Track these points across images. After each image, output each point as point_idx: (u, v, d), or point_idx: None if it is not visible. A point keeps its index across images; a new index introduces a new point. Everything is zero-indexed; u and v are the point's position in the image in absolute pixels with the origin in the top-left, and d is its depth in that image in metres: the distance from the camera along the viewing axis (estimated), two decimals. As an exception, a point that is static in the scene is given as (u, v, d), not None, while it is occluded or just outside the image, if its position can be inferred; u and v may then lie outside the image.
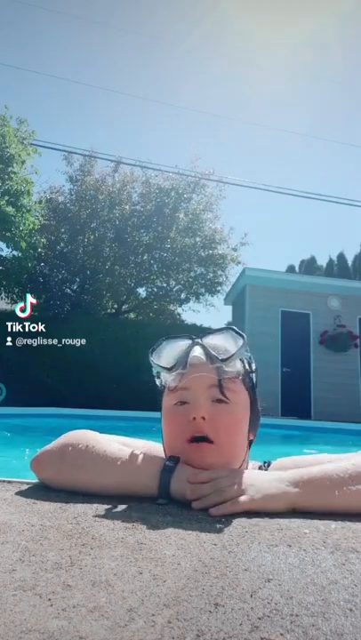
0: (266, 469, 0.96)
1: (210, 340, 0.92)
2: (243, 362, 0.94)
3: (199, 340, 0.92)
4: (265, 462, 0.99)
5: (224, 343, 0.92)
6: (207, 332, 0.96)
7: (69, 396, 8.26)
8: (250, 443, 0.96)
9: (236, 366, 0.91)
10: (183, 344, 0.94)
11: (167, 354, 0.95)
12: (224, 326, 0.98)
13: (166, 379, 0.93)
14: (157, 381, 0.97)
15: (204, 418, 0.85)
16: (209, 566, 0.56)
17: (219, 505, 0.75)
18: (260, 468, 0.96)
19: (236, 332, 0.93)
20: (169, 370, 0.91)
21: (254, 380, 0.96)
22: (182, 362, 0.89)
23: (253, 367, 0.96)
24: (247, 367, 0.94)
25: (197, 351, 0.88)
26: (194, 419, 0.85)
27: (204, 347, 0.90)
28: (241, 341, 0.91)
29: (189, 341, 0.93)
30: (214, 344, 0.91)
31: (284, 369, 9.89)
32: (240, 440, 0.90)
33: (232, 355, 0.88)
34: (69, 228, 10.86)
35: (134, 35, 21.00)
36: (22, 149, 7.95)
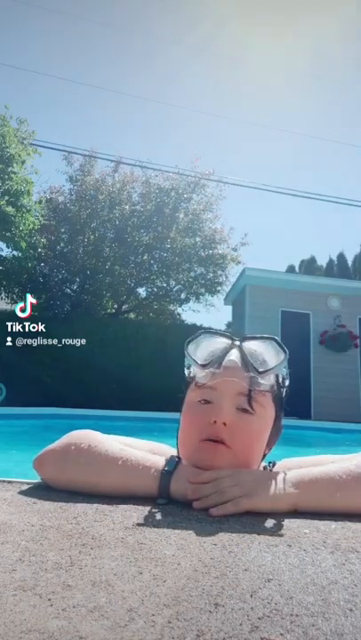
0: (271, 470, 0.92)
1: (250, 346, 0.89)
2: (278, 376, 0.90)
3: (238, 343, 0.90)
4: (270, 463, 0.97)
5: (264, 353, 0.89)
6: (249, 336, 0.93)
7: (69, 396, 8.26)
8: (264, 456, 0.94)
9: (271, 380, 0.87)
10: (222, 342, 0.91)
11: (204, 349, 0.92)
12: (268, 335, 0.92)
13: (197, 373, 0.91)
14: (186, 372, 0.96)
15: (225, 424, 0.83)
16: (209, 566, 0.56)
17: (220, 505, 0.74)
18: (264, 468, 0.94)
19: (279, 345, 0.89)
20: (202, 366, 0.89)
21: (284, 396, 0.93)
22: (217, 361, 0.86)
23: (287, 383, 0.92)
24: (281, 382, 0.91)
25: (235, 355, 0.86)
26: (215, 422, 0.83)
27: (242, 351, 0.88)
28: (282, 356, 0.87)
29: (229, 341, 0.91)
30: (254, 351, 0.88)
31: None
32: (256, 453, 0.88)
33: (270, 369, 0.86)
34: (69, 228, 10.86)
35: (134, 35, 21.00)
36: (22, 149, 7.95)
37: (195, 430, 0.86)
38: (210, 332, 0.96)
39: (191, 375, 0.93)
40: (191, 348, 0.94)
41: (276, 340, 0.90)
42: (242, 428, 0.84)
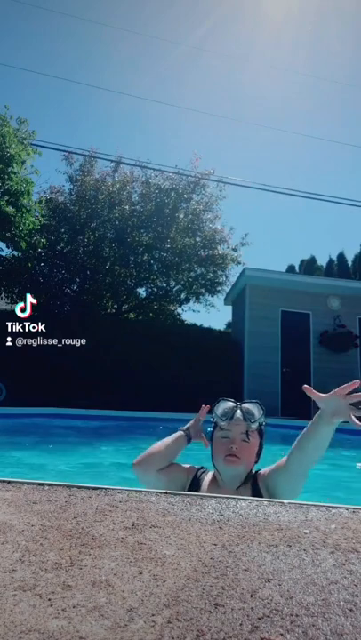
0: (256, 472, 1.63)
1: (246, 407, 1.63)
2: (260, 423, 1.63)
3: (240, 406, 1.63)
4: (257, 470, 1.64)
5: (253, 410, 1.62)
6: (245, 401, 1.65)
7: (69, 396, 8.26)
8: (256, 462, 1.64)
9: (257, 425, 1.61)
10: (231, 405, 1.64)
11: (221, 409, 1.64)
12: (255, 400, 1.66)
13: (218, 421, 1.62)
14: (212, 419, 1.65)
15: (236, 448, 1.56)
16: (209, 566, 0.56)
17: None
18: (255, 472, 1.63)
19: (260, 406, 1.63)
20: (223, 419, 1.61)
21: (263, 431, 1.65)
22: (230, 416, 1.61)
23: (264, 425, 1.65)
24: (261, 425, 1.64)
25: (239, 413, 1.61)
26: (231, 447, 1.56)
27: (242, 411, 1.61)
28: (262, 411, 1.62)
29: (234, 405, 1.63)
30: (248, 409, 1.62)
31: (284, 369, 9.88)
32: (252, 461, 1.61)
33: (256, 419, 1.60)
34: (69, 228, 10.85)
35: (134, 35, 20.96)
36: (22, 149, 7.93)
37: (222, 451, 1.57)
38: (223, 399, 1.66)
39: (215, 421, 1.64)
40: (215, 408, 1.65)
41: (258, 403, 1.63)
42: (245, 448, 1.58)
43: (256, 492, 1.52)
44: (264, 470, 1.60)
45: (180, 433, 1.68)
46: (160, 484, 1.54)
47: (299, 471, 1.52)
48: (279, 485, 1.52)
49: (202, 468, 1.68)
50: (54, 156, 12.09)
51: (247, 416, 1.58)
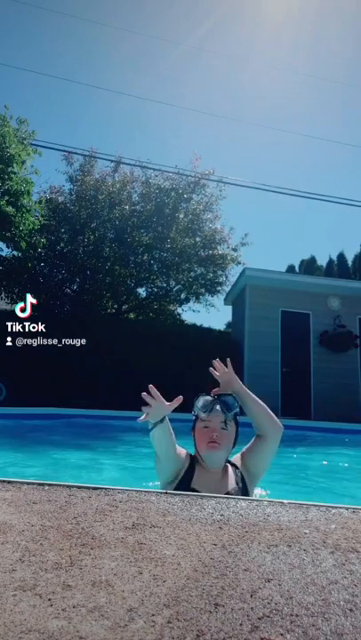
0: (231, 462, 1.88)
1: (223, 399, 1.84)
2: (235, 413, 1.85)
3: (218, 399, 1.84)
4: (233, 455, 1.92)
5: (229, 402, 1.83)
6: (221, 394, 1.87)
7: (70, 396, 8.26)
8: (233, 446, 1.86)
9: (233, 414, 1.83)
10: (210, 399, 1.85)
11: (202, 402, 1.85)
12: (229, 393, 1.88)
13: (199, 413, 1.83)
14: (193, 413, 1.85)
15: (217, 435, 1.78)
16: (209, 566, 0.56)
17: None
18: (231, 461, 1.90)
19: (234, 398, 1.85)
20: (204, 412, 1.82)
21: (238, 420, 1.87)
22: (209, 408, 1.82)
23: (238, 415, 1.86)
24: (237, 414, 1.86)
25: (218, 405, 1.82)
26: (213, 435, 1.77)
27: (220, 403, 1.82)
28: (236, 403, 1.84)
29: (213, 399, 1.84)
30: (225, 401, 1.83)
31: (284, 369, 9.89)
32: (230, 446, 1.83)
33: (233, 411, 1.82)
34: (69, 228, 10.85)
35: (134, 35, 20.96)
36: (22, 149, 7.93)
37: (204, 439, 1.79)
38: (202, 394, 1.87)
39: (196, 414, 1.85)
40: (196, 402, 1.85)
41: (233, 396, 1.85)
42: (224, 436, 1.80)
43: (238, 475, 1.81)
44: (238, 455, 1.91)
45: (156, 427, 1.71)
46: (170, 467, 1.78)
47: (260, 420, 1.87)
48: (257, 452, 1.86)
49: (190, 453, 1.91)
50: (54, 156, 12.10)
51: (224, 408, 1.80)
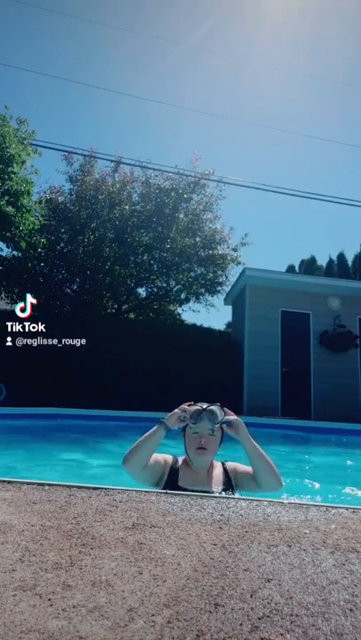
0: (224, 467, 2.08)
1: (211, 409, 2.00)
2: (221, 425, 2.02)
3: (206, 409, 2.00)
4: (223, 462, 2.13)
5: (216, 412, 2.00)
6: (210, 405, 2.03)
7: (69, 396, 8.26)
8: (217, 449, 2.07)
9: (219, 419, 1.99)
10: (198, 410, 2.00)
11: (191, 413, 2.00)
12: (218, 403, 2.04)
13: (188, 422, 1.99)
14: (184, 423, 2.00)
15: (204, 441, 1.98)
16: (209, 566, 0.56)
17: None
18: (222, 463, 2.12)
19: (222, 408, 2.02)
20: (193, 423, 1.99)
21: (223, 429, 2.02)
22: (197, 418, 1.99)
23: (225, 426, 2.00)
24: (223, 422, 2.00)
25: (205, 417, 1.99)
26: (201, 440, 1.98)
27: (208, 413, 1.99)
28: (223, 413, 2.00)
29: (202, 409, 2.00)
30: (212, 410, 2.00)
31: (284, 369, 9.88)
32: (216, 450, 2.04)
33: (220, 420, 1.99)
34: (69, 228, 10.84)
35: (134, 35, 20.95)
36: (22, 149, 7.92)
37: (193, 445, 2.00)
38: (193, 404, 2.05)
39: (186, 422, 2.00)
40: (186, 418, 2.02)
41: (220, 406, 2.03)
42: (211, 441, 2.00)
43: (228, 479, 2.01)
44: (234, 466, 2.08)
45: (157, 426, 1.95)
46: (146, 475, 1.96)
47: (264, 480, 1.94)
48: (250, 487, 1.98)
49: (175, 457, 2.09)
50: (54, 155, 12.11)
51: (211, 418, 1.98)
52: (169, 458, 2.05)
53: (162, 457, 2.03)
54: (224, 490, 1.94)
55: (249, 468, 1.97)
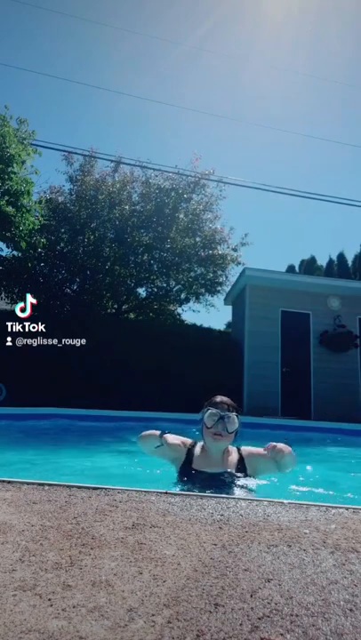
0: (240, 452, 2.24)
1: (229, 418, 2.16)
2: (238, 425, 2.20)
3: (224, 417, 2.17)
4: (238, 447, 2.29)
5: (234, 421, 2.17)
6: (228, 412, 2.18)
7: (70, 396, 8.25)
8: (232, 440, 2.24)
9: (235, 428, 2.18)
10: (216, 416, 2.17)
11: (209, 415, 2.18)
12: (236, 413, 2.19)
13: (207, 422, 2.17)
14: (200, 419, 2.19)
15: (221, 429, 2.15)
16: (209, 566, 0.56)
17: None
18: (238, 449, 2.26)
19: (238, 418, 2.19)
20: (209, 426, 2.16)
21: (238, 431, 2.20)
22: (215, 424, 2.15)
23: (238, 428, 2.19)
24: (239, 427, 2.20)
25: (221, 422, 2.15)
26: (218, 430, 2.17)
27: (224, 421, 2.15)
28: (239, 420, 2.18)
29: (219, 417, 2.17)
30: (230, 420, 2.16)
31: (284, 369, 9.88)
32: (232, 438, 2.19)
33: (234, 430, 2.18)
34: (69, 228, 10.84)
35: (134, 35, 20.96)
36: (22, 149, 7.91)
37: (210, 432, 2.16)
38: (213, 407, 2.20)
39: (204, 421, 2.18)
40: (205, 414, 2.19)
41: (237, 415, 2.19)
42: (226, 435, 2.17)
43: (242, 465, 2.16)
44: (249, 451, 2.23)
45: (159, 435, 2.23)
46: (162, 456, 2.23)
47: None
48: (267, 469, 2.15)
49: (195, 441, 2.28)
50: (54, 156, 12.11)
51: (228, 427, 2.14)
52: (187, 441, 2.27)
53: (181, 440, 2.25)
54: (236, 472, 2.12)
55: (264, 452, 2.12)
